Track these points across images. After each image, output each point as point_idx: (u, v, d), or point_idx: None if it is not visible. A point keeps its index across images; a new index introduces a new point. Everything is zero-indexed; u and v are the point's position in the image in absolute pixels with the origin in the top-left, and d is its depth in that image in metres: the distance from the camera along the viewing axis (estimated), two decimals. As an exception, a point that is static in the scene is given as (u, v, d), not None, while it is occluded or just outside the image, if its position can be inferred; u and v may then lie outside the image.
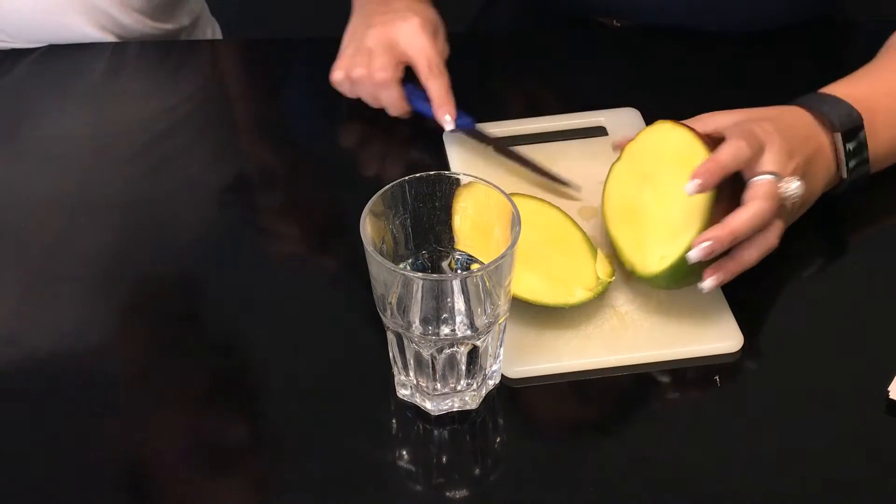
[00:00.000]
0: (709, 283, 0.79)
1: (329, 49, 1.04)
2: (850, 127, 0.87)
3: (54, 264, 0.90)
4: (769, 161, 0.80)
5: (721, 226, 0.77)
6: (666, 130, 0.83)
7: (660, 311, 0.83)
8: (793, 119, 0.86)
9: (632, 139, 0.86)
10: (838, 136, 0.87)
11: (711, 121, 0.86)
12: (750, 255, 0.80)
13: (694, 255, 0.77)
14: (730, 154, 0.78)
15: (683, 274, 0.79)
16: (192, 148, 1.04)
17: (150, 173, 1.00)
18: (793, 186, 0.80)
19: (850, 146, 0.87)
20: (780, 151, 0.81)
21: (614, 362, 0.80)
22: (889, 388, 0.77)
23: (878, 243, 0.92)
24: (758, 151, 0.80)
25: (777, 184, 0.80)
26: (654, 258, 0.80)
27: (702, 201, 0.78)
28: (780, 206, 0.81)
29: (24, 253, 0.92)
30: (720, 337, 0.81)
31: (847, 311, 0.85)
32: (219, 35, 1.37)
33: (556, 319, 0.82)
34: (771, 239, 0.81)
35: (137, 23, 1.18)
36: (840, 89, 0.90)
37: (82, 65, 1.13)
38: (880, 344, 0.82)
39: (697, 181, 0.77)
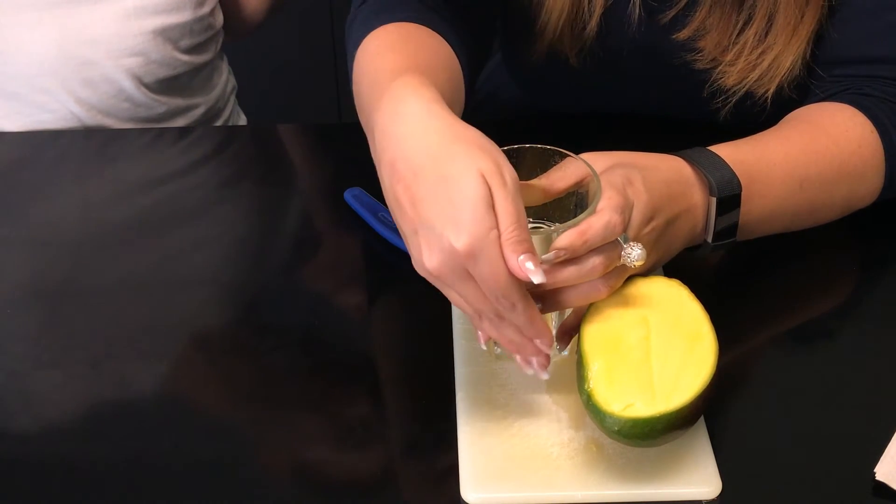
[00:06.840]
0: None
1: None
2: (727, 194, 0.85)
3: (40, 350, 0.91)
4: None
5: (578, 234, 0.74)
6: (675, 287, 0.80)
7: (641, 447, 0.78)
8: (669, 173, 0.84)
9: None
10: (713, 201, 0.85)
11: (579, 167, 0.80)
12: (568, 297, 0.77)
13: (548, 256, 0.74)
14: (599, 232, 0.74)
15: (640, 434, 0.74)
16: (187, 233, 1.04)
17: (141, 259, 1.01)
18: (633, 255, 0.75)
19: (722, 212, 0.85)
20: (641, 212, 0.79)
21: (580, 498, 0.77)
22: None
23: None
24: (626, 221, 0.77)
25: (622, 245, 0.76)
26: (620, 400, 0.74)
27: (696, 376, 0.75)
28: (622, 266, 0.77)
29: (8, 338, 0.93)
30: (697, 481, 0.77)
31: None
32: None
33: (527, 444, 0.79)
34: (602, 291, 0.77)
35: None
36: (725, 151, 0.88)
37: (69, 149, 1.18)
38: None
39: (560, 252, 0.73)
